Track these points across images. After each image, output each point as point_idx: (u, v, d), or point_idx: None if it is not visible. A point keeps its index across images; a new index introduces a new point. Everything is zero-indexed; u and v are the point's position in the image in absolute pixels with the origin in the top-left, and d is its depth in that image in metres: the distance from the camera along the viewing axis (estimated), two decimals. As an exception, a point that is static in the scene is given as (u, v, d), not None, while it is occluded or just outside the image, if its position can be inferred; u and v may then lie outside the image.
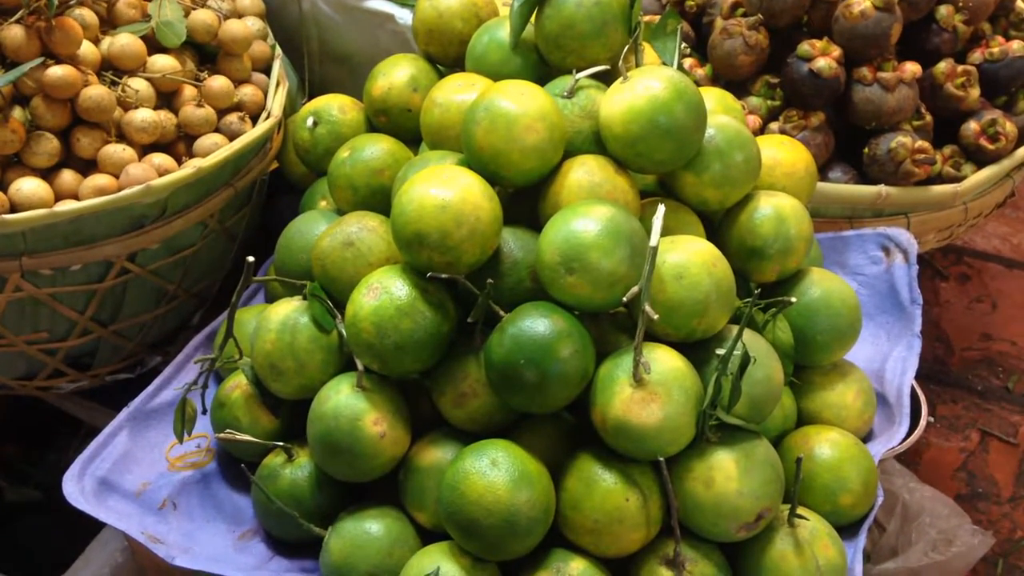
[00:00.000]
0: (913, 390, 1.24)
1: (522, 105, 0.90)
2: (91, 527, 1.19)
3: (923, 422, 1.24)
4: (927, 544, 1.24)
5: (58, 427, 1.40)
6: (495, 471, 0.84)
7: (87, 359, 1.18)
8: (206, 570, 0.90)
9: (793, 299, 0.95)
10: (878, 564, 1.23)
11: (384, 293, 0.89)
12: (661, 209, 0.83)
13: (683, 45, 1.05)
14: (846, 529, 0.94)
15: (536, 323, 0.85)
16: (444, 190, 0.87)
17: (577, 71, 0.96)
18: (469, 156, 0.93)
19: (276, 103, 1.20)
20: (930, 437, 1.58)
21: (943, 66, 1.36)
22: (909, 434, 1.20)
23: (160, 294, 1.16)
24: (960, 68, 1.36)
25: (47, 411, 1.34)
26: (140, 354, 1.23)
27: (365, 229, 0.98)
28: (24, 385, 1.18)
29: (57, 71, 1.03)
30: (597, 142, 0.95)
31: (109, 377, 1.21)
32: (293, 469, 0.95)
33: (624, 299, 0.84)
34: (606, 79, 0.98)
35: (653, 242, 0.81)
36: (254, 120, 1.19)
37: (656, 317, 0.82)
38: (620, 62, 0.97)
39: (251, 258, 0.90)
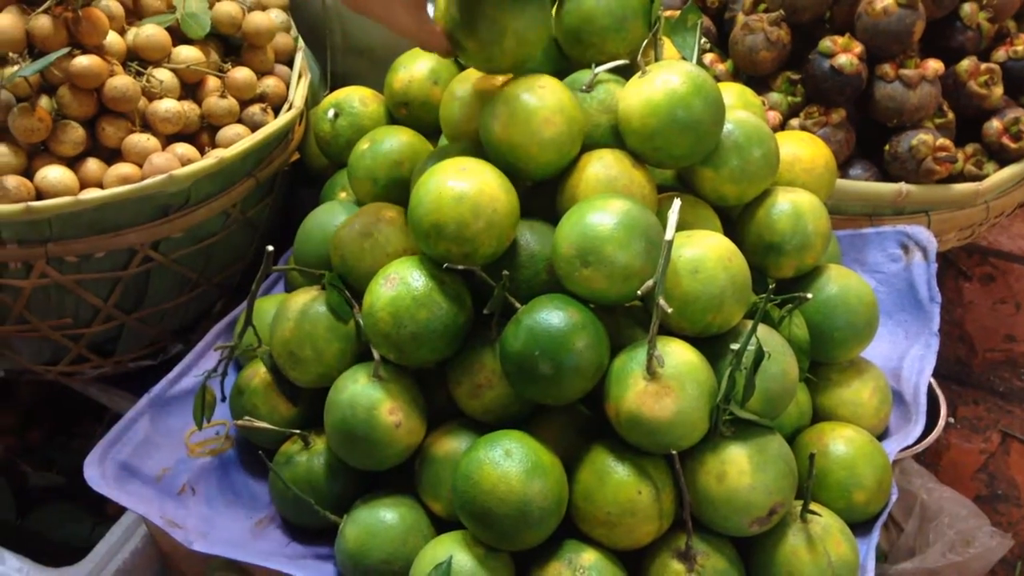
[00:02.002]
0: (932, 391, 1.24)
1: (541, 98, 0.90)
2: (113, 512, 1.21)
3: (941, 422, 1.24)
4: (945, 545, 1.24)
5: (83, 413, 1.41)
6: (509, 461, 0.84)
7: (110, 345, 1.20)
8: (223, 555, 0.91)
9: (809, 295, 0.95)
10: (896, 564, 1.23)
11: (401, 283, 0.90)
12: (676, 203, 0.83)
13: (704, 40, 1.06)
14: (860, 526, 0.94)
15: (551, 315, 0.85)
16: (462, 182, 0.87)
17: (596, 65, 0.96)
18: (487, 149, 0.93)
19: (298, 95, 1.21)
20: (951, 438, 1.58)
21: (966, 64, 1.35)
22: (927, 434, 1.20)
23: (183, 282, 1.17)
24: (984, 66, 1.36)
25: (72, 398, 1.35)
26: (162, 341, 1.25)
27: (383, 220, 0.98)
28: (48, 370, 1.20)
29: (83, 61, 1.04)
30: (615, 136, 0.96)
31: (132, 364, 1.22)
32: (310, 456, 0.96)
33: (639, 292, 0.84)
34: (625, 73, 0.98)
35: (668, 236, 0.81)
36: (276, 111, 1.20)
37: (670, 311, 0.82)
38: (639, 56, 0.97)
39: (271, 247, 0.91)
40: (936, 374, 1.09)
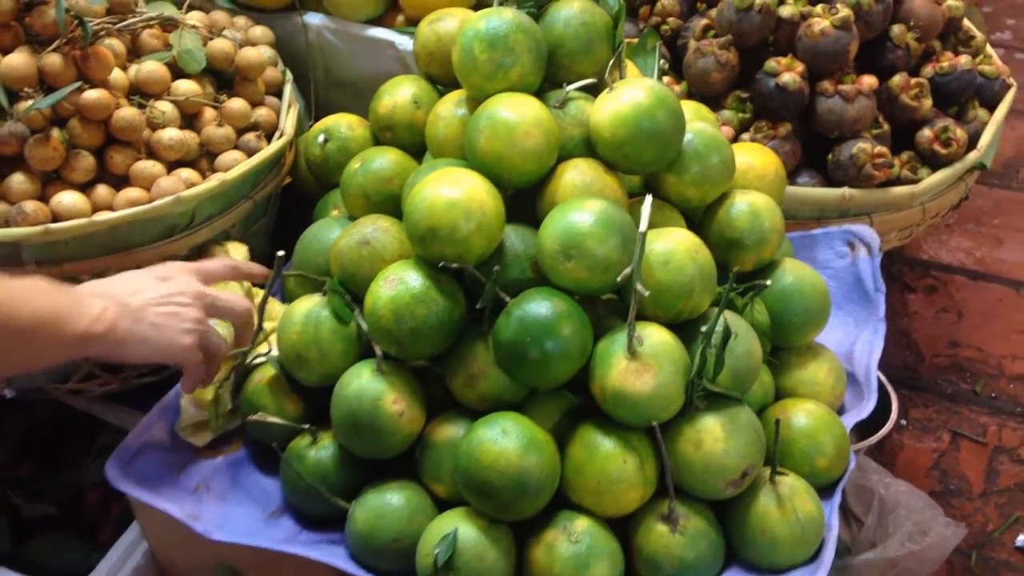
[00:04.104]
0: (883, 385, 1.31)
1: (520, 114, 0.99)
2: (106, 539, 1.24)
3: (894, 415, 1.32)
4: (904, 535, 1.28)
5: (71, 446, 1.43)
6: (506, 439, 0.92)
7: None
8: (242, 542, 0.97)
9: (768, 282, 1.04)
10: (858, 555, 1.27)
11: (400, 283, 0.97)
12: (648, 198, 0.92)
13: (661, 60, 1.15)
14: (824, 490, 1.02)
15: (539, 305, 0.93)
16: (453, 189, 0.96)
17: (567, 84, 1.05)
18: (473, 161, 1.02)
19: (288, 123, 1.29)
20: (904, 439, 1.65)
21: (898, 79, 1.46)
22: (880, 426, 1.28)
23: (186, 299, 1.24)
24: (914, 81, 1.46)
25: (61, 431, 1.39)
26: (165, 358, 1.30)
27: (379, 230, 1.06)
28: (59, 388, 1.25)
29: (92, 94, 1.12)
30: (587, 147, 1.05)
31: (136, 380, 1.28)
32: (318, 450, 1.03)
33: (618, 280, 0.93)
34: (593, 92, 1.07)
35: (642, 228, 0.90)
36: (268, 139, 1.28)
37: (647, 294, 0.91)
38: (606, 75, 1.06)
39: (281, 252, 0.98)
40: (887, 378, 1.15)
